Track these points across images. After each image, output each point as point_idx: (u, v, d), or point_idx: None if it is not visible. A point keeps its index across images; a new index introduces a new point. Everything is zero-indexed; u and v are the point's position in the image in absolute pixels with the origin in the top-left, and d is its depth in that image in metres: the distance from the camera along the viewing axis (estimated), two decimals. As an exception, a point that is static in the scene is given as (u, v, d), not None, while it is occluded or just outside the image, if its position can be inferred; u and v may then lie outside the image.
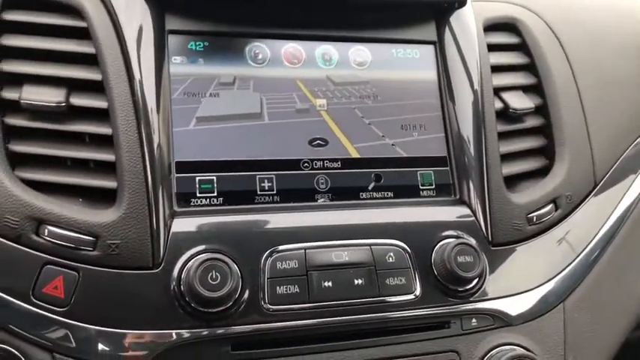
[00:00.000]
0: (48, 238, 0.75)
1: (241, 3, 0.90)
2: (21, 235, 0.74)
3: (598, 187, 1.02)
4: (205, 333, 0.76)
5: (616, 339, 0.98)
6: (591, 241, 0.99)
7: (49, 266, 0.74)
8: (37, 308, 0.74)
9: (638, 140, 1.09)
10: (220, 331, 0.77)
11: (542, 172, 1.00)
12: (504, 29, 1.09)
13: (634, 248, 1.03)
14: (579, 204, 1.00)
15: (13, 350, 0.73)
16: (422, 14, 0.98)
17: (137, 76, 0.82)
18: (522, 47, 1.08)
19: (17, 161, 0.79)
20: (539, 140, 1.02)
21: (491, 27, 1.07)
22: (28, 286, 0.74)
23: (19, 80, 0.82)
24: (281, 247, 0.81)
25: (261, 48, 0.91)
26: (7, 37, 0.83)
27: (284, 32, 0.93)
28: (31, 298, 0.74)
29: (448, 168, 0.94)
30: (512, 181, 0.97)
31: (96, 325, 0.75)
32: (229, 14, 0.90)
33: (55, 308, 0.74)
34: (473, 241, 0.87)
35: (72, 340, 0.74)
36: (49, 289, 0.74)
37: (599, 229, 1.00)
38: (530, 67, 1.07)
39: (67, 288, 0.74)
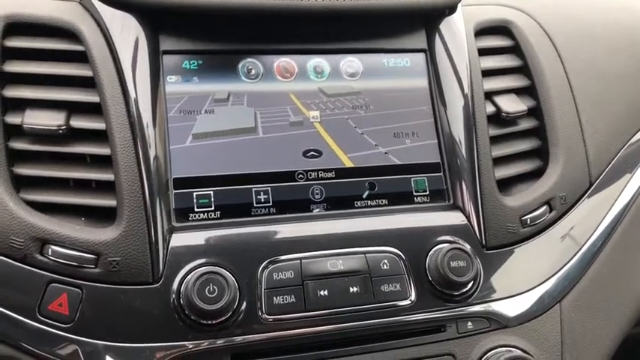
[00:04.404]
0: (52, 258, 0.78)
1: (232, 21, 0.92)
2: (26, 255, 0.77)
3: (593, 187, 1.02)
4: (205, 344, 0.79)
5: (614, 337, 0.98)
6: (587, 240, 0.99)
7: (53, 284, 0.77)
8: (44, 325, 0.77)
9: (633, 139, 1.09)
10: (220, 342, 0.79)
11: (536, 174, 1.00)
12: (497, 32, 1.09)
13: (630, 247, 1.03)
14: (574, 204, 1.00)
15: (24, 367, 0.76)
16: (412, 23, 0.99)
17: (133, 96, 0.84)
18: (515, 50, 1.08)
19: (21, 183, 0.82)
20: (533, 142, 1.03)
21: (483, 31, 1.07)
22: (34, 304, 0.77)
23: (21, 105, 0.85)
24: (277, 258, 0.83)
25: (254, 64, 0.93)
26: (9, 64, 0.86)
27: (276, 47, 0.94)
28: (37, 315, 0.76)
29: (441, 174, 0.95)
30: (506, 183, 0.98)
31: (100, 340, 0.77)
32: (221, 33, 0.92)
33: (60, 325, 0.77)
34: (466, 246, 0.88)
35: (80, 354, 0.77)
36: (54, 306, 0.77)
37: (595, 229, 1.00)
38: (524, 70, 1.07)
39: (71, 305, 0.77)
